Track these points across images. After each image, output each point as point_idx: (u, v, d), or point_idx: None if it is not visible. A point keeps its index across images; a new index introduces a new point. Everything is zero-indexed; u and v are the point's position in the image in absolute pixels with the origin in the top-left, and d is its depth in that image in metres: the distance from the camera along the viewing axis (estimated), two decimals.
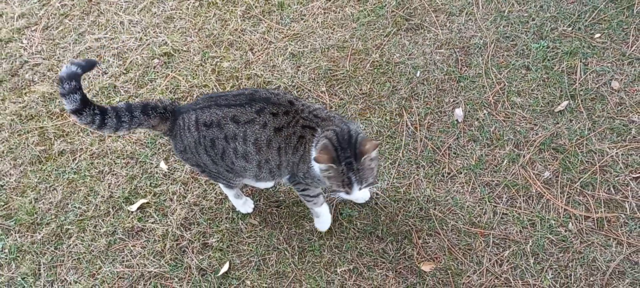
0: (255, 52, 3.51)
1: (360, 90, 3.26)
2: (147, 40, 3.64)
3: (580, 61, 3.18)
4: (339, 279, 2.68)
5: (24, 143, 3.26)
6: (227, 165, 2.33)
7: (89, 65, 2.19)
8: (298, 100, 2.29)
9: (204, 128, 2.23)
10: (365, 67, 3.35)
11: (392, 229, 2.78)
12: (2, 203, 3.06)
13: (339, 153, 2.08)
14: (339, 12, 3.62)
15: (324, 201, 2.68)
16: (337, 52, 3.44)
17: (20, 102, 3.43)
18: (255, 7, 3.73)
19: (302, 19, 3.63)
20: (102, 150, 3.19)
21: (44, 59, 3.63)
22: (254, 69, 3.42)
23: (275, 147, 2.23)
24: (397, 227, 2.79)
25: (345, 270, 2.70)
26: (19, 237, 2.95)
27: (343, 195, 2.24)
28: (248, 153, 2.25)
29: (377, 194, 2.89)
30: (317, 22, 3.59)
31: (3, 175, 3.16)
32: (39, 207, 3.03)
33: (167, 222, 2.92)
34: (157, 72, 3.48)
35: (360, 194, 2.20)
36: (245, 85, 3.35)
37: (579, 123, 2.98)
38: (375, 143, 2.05)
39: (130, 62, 3.54)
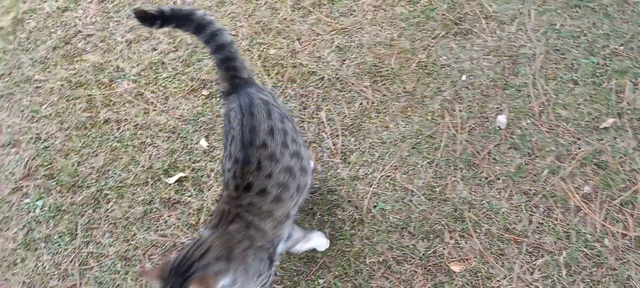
0: (302, 42, 3.55)
1: (404, 88, 3.26)
2: None
3: (630, 81, 3.13)
4: (367, 270, 2.68)
5: (72, 108, 3.36)
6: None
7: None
8: (264, 194, 2.10)
9: (225, 117, 2.30)
10: (410, 67, 3.35)
11: (425, 227, 2.77)
12: (46, 163, 3.15)
13: (170, 277, 1.88)
14: (389, 11, 3.63)
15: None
16: (384, 50, 3.45)
17: (71, 69, 3.53)
18: None
19: (351, 14, 3.65)
20: (146, 122, 3.26)
21: (97, 30, 3.73)
22: (299, 58, 3.45)
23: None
24: (429, 225, 2.78)
25: (374, 262, 2.70)
26: (60, 196, 3.03)
27: None
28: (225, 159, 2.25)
29: (412, 191, 2.89)
30: (366, 18, 3.61)
31: (49, 137, 3.26)
32: (81, 171, 3.11)
33: (202, 197, 2.96)
34: (205, 53, 3.53)
35: None
36: (290, 73, 3.38)
37: (623, 141, 2.93)
38: None
39: (180, 40, 3.61)
